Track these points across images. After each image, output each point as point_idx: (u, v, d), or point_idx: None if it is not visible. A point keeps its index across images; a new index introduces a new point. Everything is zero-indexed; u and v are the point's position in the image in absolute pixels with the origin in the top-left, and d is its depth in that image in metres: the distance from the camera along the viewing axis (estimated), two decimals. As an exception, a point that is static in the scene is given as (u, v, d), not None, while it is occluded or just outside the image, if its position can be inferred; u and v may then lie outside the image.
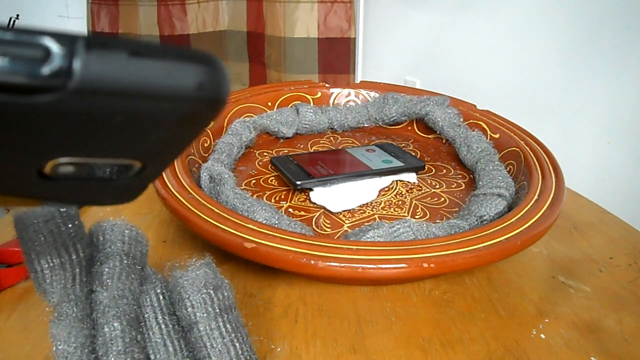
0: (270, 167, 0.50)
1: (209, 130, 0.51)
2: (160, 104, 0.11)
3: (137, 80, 0.10)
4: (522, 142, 0.48)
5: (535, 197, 0.38)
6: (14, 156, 0.11)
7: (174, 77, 0.11)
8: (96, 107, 0.10)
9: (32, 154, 0.11)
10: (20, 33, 0.09)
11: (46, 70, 0.09)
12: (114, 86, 0.10)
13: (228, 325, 0.24)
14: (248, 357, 0.24)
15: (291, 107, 0.59)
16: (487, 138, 0.51)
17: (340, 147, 0.55)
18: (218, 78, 0.11)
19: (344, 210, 0.43)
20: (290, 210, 0.43)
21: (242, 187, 0.45)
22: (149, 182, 0.14)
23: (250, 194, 0.41)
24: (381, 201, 0.45)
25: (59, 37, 0.09)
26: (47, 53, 0.09)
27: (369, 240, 0.34)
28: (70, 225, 0.23)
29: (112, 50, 0.10)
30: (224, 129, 0.53)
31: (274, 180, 0.48)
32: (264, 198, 0.44)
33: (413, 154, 0.54)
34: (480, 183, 0.45)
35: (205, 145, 0.49)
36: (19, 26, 0.09)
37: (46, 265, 0.22)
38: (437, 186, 0.48)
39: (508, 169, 0.47)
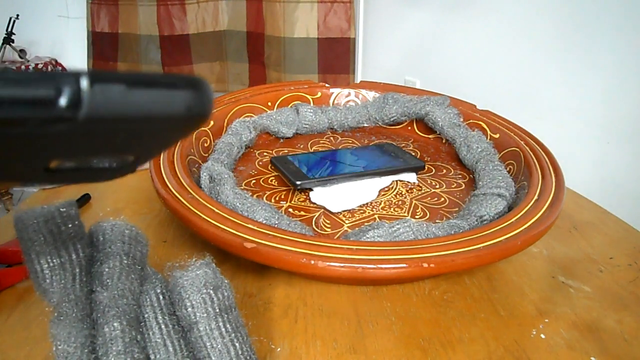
0: (270, 167, 0.50)
1: (209, 130, 0.51)
2: (154, 124, 0.13)
3: (135, 107, 0.12)
4: (522, 142, 0.48)
5: (535, 197, 0.38)
6: (26, 160, 0.13)
7: (166, 102, 0.13)
8: (100, 129, 0.12)
9: (40, 159, 0.13)
10: (33, 77, 0.11)
11: (58, 106, 0.11)
12: (115, 114, 0.12)
13: (228, 325, 0.24)
14: (248, 357, 0.24)
15: (291, 107, 0.59)
16: (487, 138, 0.51)
17: (340, 147, 0.55)
18: (204, 99, 0.13)
19: (344, 210, 0.43)
20: (290, 210, 0.43)
21: (242, 187, 0.45)
22: (139, 166, 0.16)
23: (250, 194, 0.40)
24: (381, 201, 0.45)
25: (67, 76, 0.11)
26: (59, 92, 0.11)
27: (369, 240, 0.34)
28: (70, 225, 0.23)
29: (112, 84, 0.12)
30: (224, 129, 0.53)
31: (274, 180, 0.48)
32: (264, 198, 0.44)
33: (413, 154, 0.54)
34: (480, 183, 0.45)
35: (205, 145, 0.49)
36: (31, 73, 0.11)
37: (46, 265, 0.22)
38: (437, 186, 0.48)
39: (508, 169, 0.47)
